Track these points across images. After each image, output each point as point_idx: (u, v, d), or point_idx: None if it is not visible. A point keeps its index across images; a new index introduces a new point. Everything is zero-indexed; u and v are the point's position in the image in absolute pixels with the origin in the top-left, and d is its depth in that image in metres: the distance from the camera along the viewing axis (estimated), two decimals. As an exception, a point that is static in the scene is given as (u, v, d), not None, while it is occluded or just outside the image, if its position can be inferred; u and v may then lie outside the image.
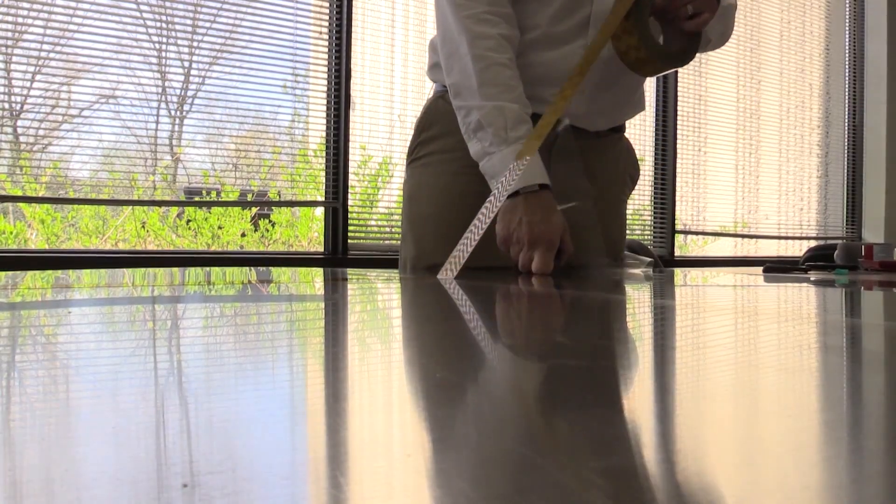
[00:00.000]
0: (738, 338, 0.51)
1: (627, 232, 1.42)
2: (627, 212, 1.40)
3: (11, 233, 2.55)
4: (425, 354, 0.41)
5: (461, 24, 1.06)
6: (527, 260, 1.04)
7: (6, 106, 2.45)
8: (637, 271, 1.35)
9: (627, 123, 1.34)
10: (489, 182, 1.08)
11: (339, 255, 2.80)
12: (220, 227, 2.82)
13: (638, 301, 0.82)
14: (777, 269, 1.49)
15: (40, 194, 2.50)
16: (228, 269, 0.97)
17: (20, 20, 2.41)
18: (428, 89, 2.36)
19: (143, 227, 2.73)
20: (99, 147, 2.63)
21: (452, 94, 1.11)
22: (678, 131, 3.72)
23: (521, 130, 1.05)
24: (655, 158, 3.70)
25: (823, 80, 4.38)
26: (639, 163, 1.40)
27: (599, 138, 1.24)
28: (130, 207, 2.68)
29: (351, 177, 2.84)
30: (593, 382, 0.33)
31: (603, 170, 1.26)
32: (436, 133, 1.23)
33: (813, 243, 3.95)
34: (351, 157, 2.83)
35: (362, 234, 2.91)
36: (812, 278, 1.24)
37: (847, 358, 0.41)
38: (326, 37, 2.81)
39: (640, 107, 1.31)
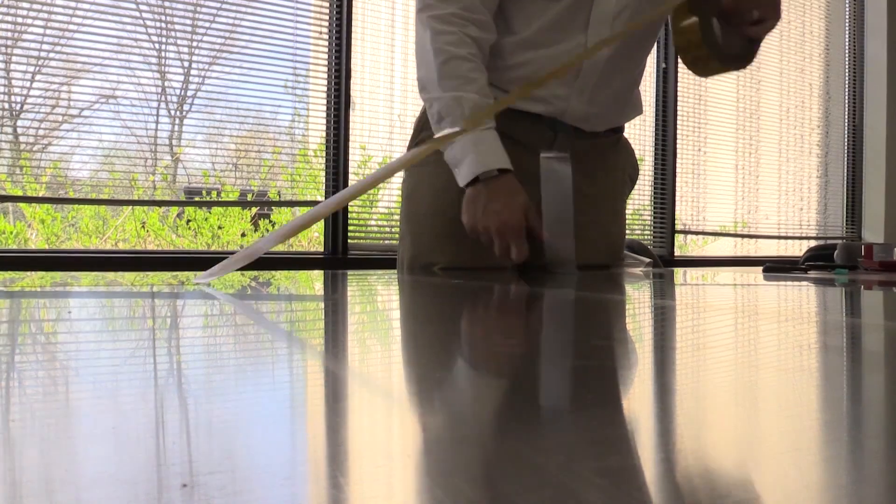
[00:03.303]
0: (738, 338, 0.51)
1: (627, 232, 1.42)
2: (627, 212, 1.40)
3: (11, 233, 2.55)
4: (425, 355, 0.41)
5: (426, 23, 1.10)
6: (502, 251, 1.06)
7: (6, 106, 2.45)
8: (637, 271, 1.35)
9: (627, 124, 1.34)
10: (453, 172, 1.09)
11: (339, 255, 2.80)
12: (220, 227, 2.82)
13: (638, 301, 0.82)
14: (777, 268, 1.49)
15: (40, 194, 2.50)
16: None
17: (20, 20, 2.41)
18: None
19: (143, 227, 2.73)
20: (99, 147, 2.63)
21: (420, 87, 1.13)
22: (678, 131, 3.72)
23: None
24: (655, 158, 3.70)
25: (823, 80, 4.38)
26: (638, 163, 1.40)
27: (598, 138, 1.24)
28: (130, 207, 2.68)
29: (351, 177, 2.84)
30: (594, 382, 0.33)
31: (601, 170, 1.26)
32: (433, 133, 1.23)
33: (813, 243, 3.95)
34: (351, 157, 2.83)
35: (362, 234, 2.91)
36: (812, 278, 1.24)
37: (847, 358, 0.41)
38: (326, 37, 2.81)
39: (637, 110, 1.31)
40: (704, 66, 1.07)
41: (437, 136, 1.10)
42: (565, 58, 1.14)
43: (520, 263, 1.11)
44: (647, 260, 1.46)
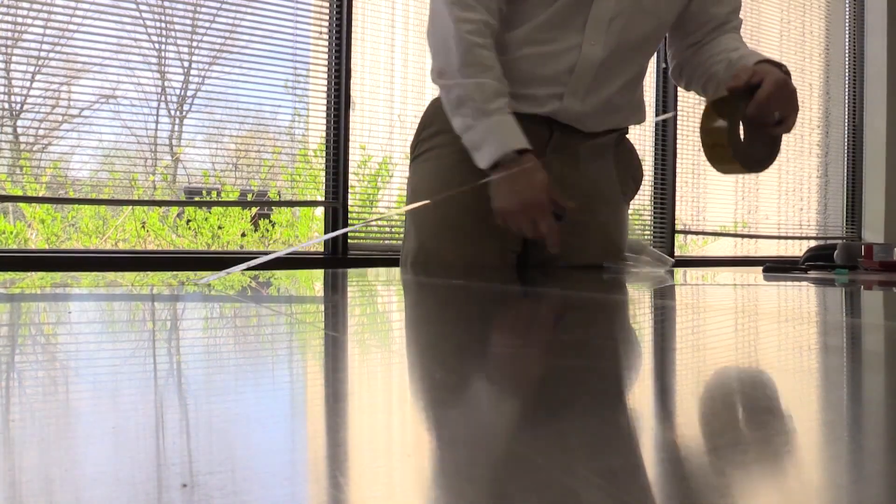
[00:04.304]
0: (738, 338, 0.51)
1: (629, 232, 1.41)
2: (627, 211, 1.40)
3: (11, 233, 2.55)
4: (425, 355, 0.41)
5: (448, 10, 1.12)
6: (531, 231, 1.10)
7: (6, 106, 2.45)
8: (660, 270, 1.34)
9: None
10: (472, 155, 1.11)
11: (339, 255, 2.80)
12: (220, 227, 2.82)
13: (638, 301, 0.82)
14: (777, 268, 1.49)
15: (40, 194, 2.50)
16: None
17: (20, 20, 2.41)
18: (428, 89, 2.35)
19: (143, 227, 2.72)
20: (99, 147, 2.63)
21: (437, 74, 1.15)
22: (678, 131, 3.72)
23: (498, 103, 1.09)
24: (655, 158, 3.70)
25: (823, 80, 4.38)
26: (642, 165, 1.40)
27: (597, 138, 1.25)
28: (130, 207, 2.68)
29: (351, 177, 2.84)
30: (595, 383, 0.33)
31: (599, 169, 1.26)
32: (435, 130, 1.25)
33: (813, 243, 3.95)
34: (351, 156, 2.83)
35: (362, 234, 2.91)
36: (812, 278, 1.24)
37: (847, 358, 0.41)
38: (326, 37, 2.81)
39: (638, 116, 1.31)
40: (727, 168, 1.09)
41: (454, 123, 1.12)
42: (562, 56, 1.15)
43: (523, 257, 1.14)
44: (671, 260, 1.46)
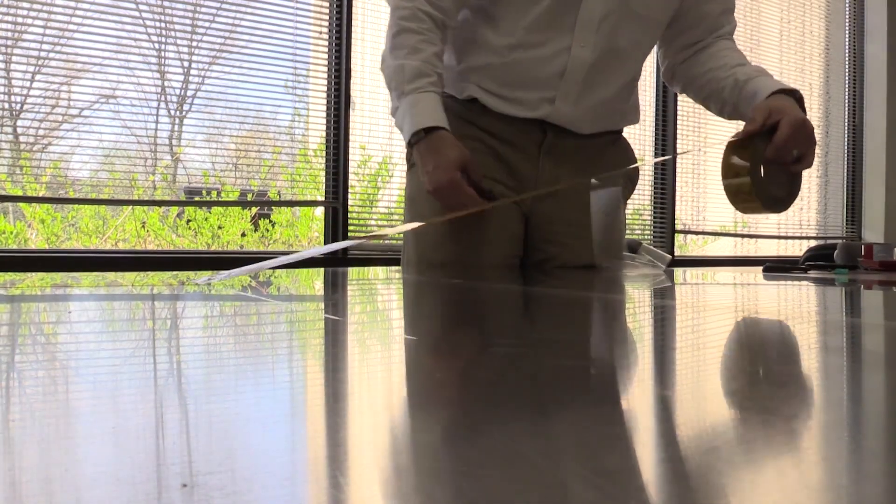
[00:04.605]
0: (738, 338, 0.51)
1: (627, 232, 1.41)
2: (627, 211, 1.40)
3: (11, 233, 2.55)
4: (425, 354, 0.41)
5: (390, 2, 1.14)
6: (453, 208, 1.07)
7: (6, 106, 2.45)
8: (658, 269, 1.34)
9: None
10: (401, 134, 1.12)
11: (339, 255, 2.80)
12: (220, 227, 2.82)
13: (638, 301, 0.82)
14: (777, 268, 1.49)
15: (40, 194, 2.50)
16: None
17: (20, 20, 2.41)
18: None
19: (143, 226, 2.72)
20: (99, 147, 2.63)
21: (380, 62, 1.17)
22: (678, 131, 3.72)
23: (418, 83, 1.09)
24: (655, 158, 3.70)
25: (823, 80, 4.38)
26: (639, 164, 1.40)
27: (592, 139, 1.24)
28: (130, 207, 2.68)
29: (351, 177, 2.84)
30: (595, 382, 0.33)
31: (596, 170, 1.25)
32: None
33: (813, 243, 3.95)
34: (351, 156, 2.82)
35: (362, 234, 2.91)
36: (812, 278, 1.24)
37: (847, 358, 0.41)
38: (326, 37, 2.81)
39: (632, 117, 1.30)
40: (750, 207, 1.11)
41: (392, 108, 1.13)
42: (551, 59, 1.14)
43: (515, 258, 1.14)
44: (669, 258, 1.45)
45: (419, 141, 1.07)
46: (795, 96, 1.12)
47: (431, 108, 1.08)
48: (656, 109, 3.68)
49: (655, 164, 3.69)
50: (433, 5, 1.12)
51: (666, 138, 3.71)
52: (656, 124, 3.68)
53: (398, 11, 1.11)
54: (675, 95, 3.70)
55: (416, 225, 1.18)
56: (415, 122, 1.07)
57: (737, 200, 1.09)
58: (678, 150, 3.72)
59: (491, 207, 1.10)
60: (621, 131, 1.32)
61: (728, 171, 1.07)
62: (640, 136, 3.60)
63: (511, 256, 1.22)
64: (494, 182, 1.17)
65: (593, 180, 1.23)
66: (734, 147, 1.07)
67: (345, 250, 2.80)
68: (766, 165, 1.07)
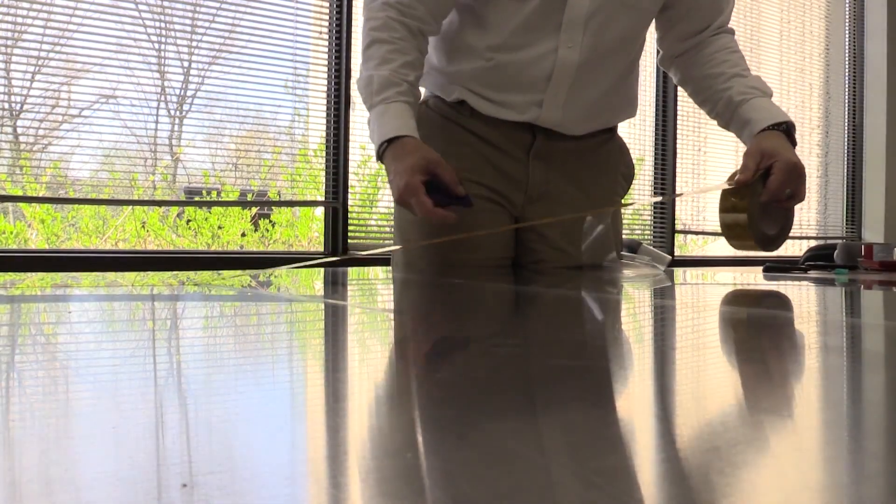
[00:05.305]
0: (738, 337, 0.51)
1: (627, 232, 1.41)
2: (627, 211, 1.40)
3: (11, 233, 2.55)
4: (425, 355, 0.41)
5: (363, 13, 1.14)
6: (420, 213, 1.04)
7: (6, 106, 2.45)
8: (658, 269, 1.34)
9: (626, 123, 1.32)
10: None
11: (339, 255, 2.80)
12: (220, 227, 2.82)
13: (637, 300, 0.82)
14: (777, 268, 1.49)
15: (40, 194, 2.50)
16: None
17: (20, 20, 2.41)
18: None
19: (144, 226, 2.72)
20: (99, 147, 2.62)
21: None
22: (678, 131, 3.72)
23: (385, 94, 1.07)
24: (655, 158, 3.70)
25: (823, 80, 4.38)
26: (634, 161, 1.39)
27: (583, 140, 1.22)
28: (130, 207, 2.68)
29: (351, 177, 2.83)
30: (595, 382, 0.33)
31: (588, 171, 1.24)
32: (422, 135, 1.22)
33: (813, 243, 3.94)
34: (351, 156, 2.82)
35: (362, 234, 2.91)
36: (812, 278, 1.24)
37: (847, 358, 0.41)
38: (326, 37, 2.81)
39: (626, 112, 1.29)
40: (745, 245, 1.17)
41: None
42: (538, 61, 1.13)
43: (508, 256, 1.14)
44: (668, 258, 1.46)
45: (384, 152, 1.06)
46: (785, 127, 1.14)
47: (398, 117, 1.07)
48: (656, 109, 3.68)
49: (655, 165, 3.69)
50: (406, 14, 1.11)
51: (666, 138, 3.70)
52: (656, 124, 3.68)
53: (370, 23, 1.11)
54: (675, 92, 3.70)
55: (398, 248, 1.19)
56: (381, 133, 1.06)
57: (732, 237, 1.15)
58: (677, 150, 3.72)
59: (460, 214, 1.05)
60: (615, 129, 1.30)
61: (725, 212, 1.14)
62: (639, 136, 3.60)
63: (502, 258, 1.21)
64: (480, 186, 1.16)
65: (588, 217, 1.24)
66: (730, 189, 1.13)
67: (345, 250, 2.80)
68: (760, 206, 1.13)
